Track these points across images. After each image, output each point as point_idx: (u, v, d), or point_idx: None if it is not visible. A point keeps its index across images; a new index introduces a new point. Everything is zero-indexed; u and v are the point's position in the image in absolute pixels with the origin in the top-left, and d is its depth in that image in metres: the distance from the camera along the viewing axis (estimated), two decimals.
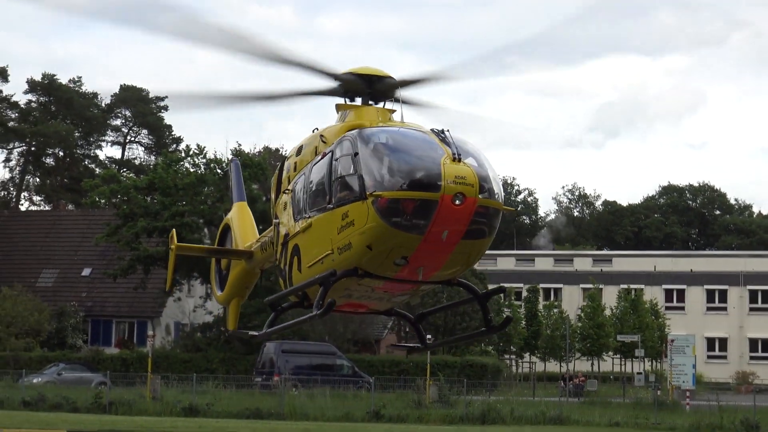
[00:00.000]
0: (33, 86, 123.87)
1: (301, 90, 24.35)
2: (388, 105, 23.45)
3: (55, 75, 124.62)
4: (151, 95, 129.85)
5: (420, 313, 25.88)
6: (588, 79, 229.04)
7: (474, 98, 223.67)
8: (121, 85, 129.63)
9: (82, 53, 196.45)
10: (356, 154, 21.32)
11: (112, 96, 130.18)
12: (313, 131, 24.83)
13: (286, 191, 25.39)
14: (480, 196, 20.37)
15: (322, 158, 23.25)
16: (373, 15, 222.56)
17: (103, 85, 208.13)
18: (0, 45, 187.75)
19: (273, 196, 26.80)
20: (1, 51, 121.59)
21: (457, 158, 20.31)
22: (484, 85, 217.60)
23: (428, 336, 29.68)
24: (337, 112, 24.39)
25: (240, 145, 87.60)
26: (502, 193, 21.13)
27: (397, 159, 20.70)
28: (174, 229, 32.34)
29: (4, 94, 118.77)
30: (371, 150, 21.14)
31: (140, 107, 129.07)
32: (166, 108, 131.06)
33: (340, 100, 24.14)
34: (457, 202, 20.09)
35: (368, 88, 23.51)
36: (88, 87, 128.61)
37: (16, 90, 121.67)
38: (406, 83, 23.44)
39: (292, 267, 24.61)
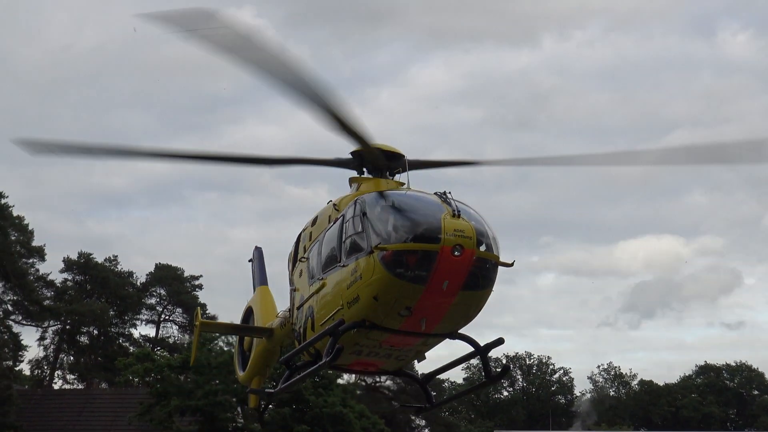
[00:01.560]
0: (69, 265, 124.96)
1: (317, 159, 25.79)
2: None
3: (91, 254, 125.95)
4: (185, 274, 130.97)
5: (427, 374, 26.88)
6: (622, 258, 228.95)
7: (510, 278, 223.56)
8: (156, 264, 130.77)
9: (118, 233, 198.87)
10: (365, 213, 22.63)
11: (147, 275, 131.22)
12: (328, 203, 25.89)
13: (302, 259, 26.57)
14: (478, 249, 21.51)
15: (334, 223, 24.58)
16: None
17: (138, 263, 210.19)
18: (38, 224, 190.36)
19: (290, 267, 27.78)
20: (39, 230, 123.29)
21: (456, 214, 21.55)
22: (519, 265, 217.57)
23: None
24: (350, 185, 25.82)
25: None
26: (500, 250, 22.36)
27: (401, 216, 21.94)
28: (199, 307, 33.25)
29: (40, 273, 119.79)
30: (378, 209, 22.42)
31: (175, 286, 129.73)
32: (200, 287, 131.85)
33: (352, 173, 25.73)
34: (456, 253, 21.13)
35: (386, 162, 24.90)
36: (123, 266, 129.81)
37: (53, 269, 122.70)
38: (419, 164, 25.08)
39: (306, 328, 25.60)
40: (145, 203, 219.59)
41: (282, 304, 31.03)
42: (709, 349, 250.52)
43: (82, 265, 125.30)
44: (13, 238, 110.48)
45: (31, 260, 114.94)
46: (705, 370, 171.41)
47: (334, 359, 22.86)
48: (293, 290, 27.41)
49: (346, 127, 22.32)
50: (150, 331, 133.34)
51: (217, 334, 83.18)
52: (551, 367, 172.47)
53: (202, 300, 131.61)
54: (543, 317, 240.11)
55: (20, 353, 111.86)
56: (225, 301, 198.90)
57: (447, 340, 24.17)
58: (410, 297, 21.71)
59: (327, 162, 25.97)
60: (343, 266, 23.31)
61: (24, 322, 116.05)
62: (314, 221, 26.71)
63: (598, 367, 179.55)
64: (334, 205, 25.33)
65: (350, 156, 25.48)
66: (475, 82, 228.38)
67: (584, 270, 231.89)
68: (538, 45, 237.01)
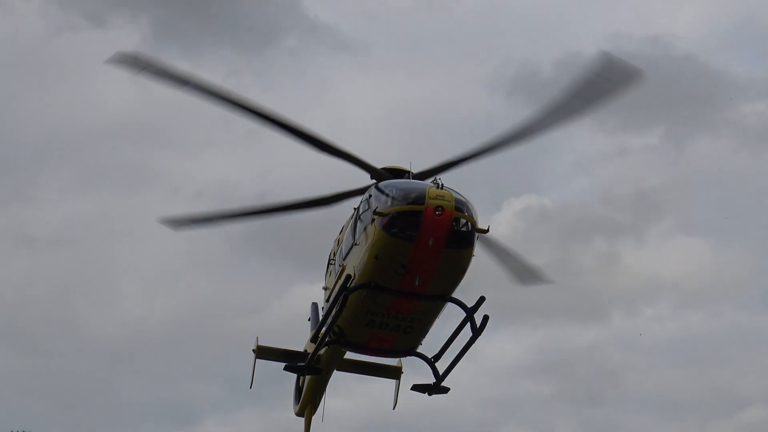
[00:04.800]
0: None
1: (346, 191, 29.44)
2: None
3: None
4: None
5: (436, 353, 29.99)
6: None
7: None
8: None
9: None
10: (370, 196, 26.70)
11: None
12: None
13: (331, 262, 30.32)
14: (456, 212, 25.21)
15: (351, 218, 28.50)
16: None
17: None
18: None
19: (325, 279, 31.28)
20: None
21: (440, 187, 25.63)
22: None
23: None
24: None
25: None
26: (478, 219, 25.92)
27: (398, 191, 25.84)
28: (258, 336, 35.69)
29: None
30: (381, 191, 26.36)
31: None
32: None
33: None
34: (437, 212, 24.63)
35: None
36: None
37: None
38: None
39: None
40: None
41: None
42: None
43: None
44: None
45: None
46: None
47: (342, 306, 25.97)
48: (324, 289, 30.79)
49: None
50: None
51: None
52: None
53: None
54: None
55: None
56: None
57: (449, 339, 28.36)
58: (404, 253, 24.94)
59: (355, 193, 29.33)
60: (356, 244, 26.73)
61: None
62: (341, 230, 30.24)
63: None
64: (355, 208, 28.72)
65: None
66: (544, 357, 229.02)
67: None
68: (608, 321, 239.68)
